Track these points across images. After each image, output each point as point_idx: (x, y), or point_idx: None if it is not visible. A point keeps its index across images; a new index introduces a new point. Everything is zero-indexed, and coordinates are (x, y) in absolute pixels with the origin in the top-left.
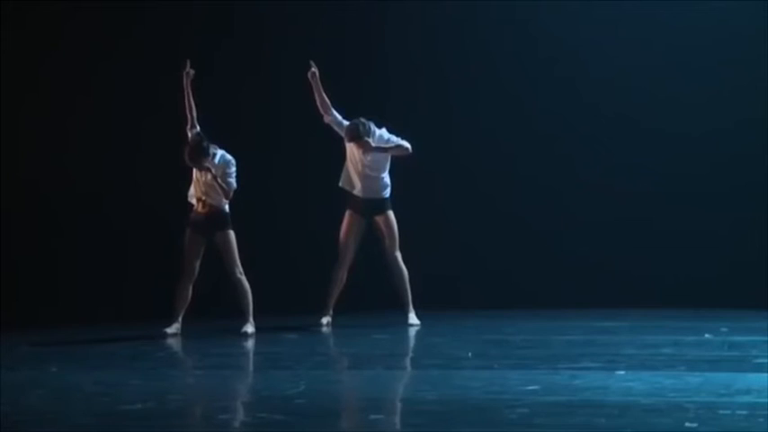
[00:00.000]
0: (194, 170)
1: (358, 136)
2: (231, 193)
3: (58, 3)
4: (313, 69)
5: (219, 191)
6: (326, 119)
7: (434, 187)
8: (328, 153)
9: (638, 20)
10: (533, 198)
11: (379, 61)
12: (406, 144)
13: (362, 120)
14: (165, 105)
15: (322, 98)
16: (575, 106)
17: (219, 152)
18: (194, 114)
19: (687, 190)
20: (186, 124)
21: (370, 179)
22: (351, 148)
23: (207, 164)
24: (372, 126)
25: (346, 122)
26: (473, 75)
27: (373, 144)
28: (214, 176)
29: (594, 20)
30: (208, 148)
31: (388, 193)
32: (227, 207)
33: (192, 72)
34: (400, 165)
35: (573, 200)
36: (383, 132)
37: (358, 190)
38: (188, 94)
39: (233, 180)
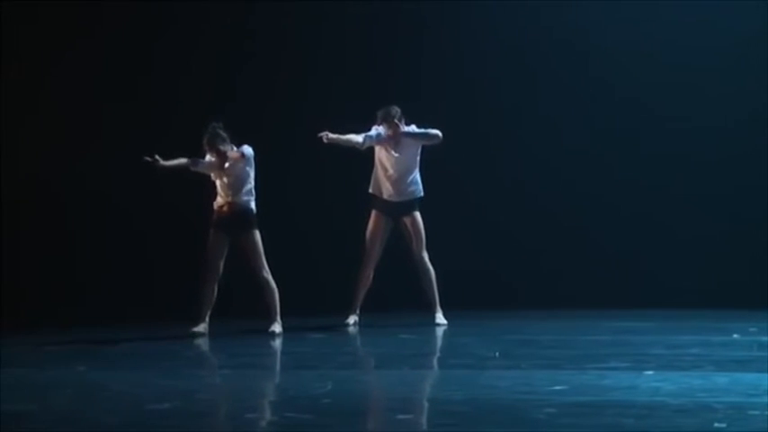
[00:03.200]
0: (214, 174)
1: (390, 116)
2: (243, 155)
3: (73, 1)
4: (329, 137)
5: (233, 156)
6: (363, 148)
7: (461, 186)
8: (349, 153)
9: (669, 19)
10: (561, 198)
11: (403, 61)
12: (435, 131)
13: (396, 107)
14: (186, 103)
15: (350, 144)
16: (609, 106)
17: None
18: (185, 160)
19: (716, 190)
20: (188, 168)
21: (399, 183)
22: (379, 154)
23: (223, 148)
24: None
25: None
26: (499, 74)
27: (403, 129)
28: (227, 155)
29: (621, 18)
30: (226, 138)
31: (418, 192)
32: (253, 205)
33: (156, 158)
34: (426, 164)
35: (601, 200)
36: (413, 126)
37: (388, 194)
38: (168, 166)
39: (248, 148)
